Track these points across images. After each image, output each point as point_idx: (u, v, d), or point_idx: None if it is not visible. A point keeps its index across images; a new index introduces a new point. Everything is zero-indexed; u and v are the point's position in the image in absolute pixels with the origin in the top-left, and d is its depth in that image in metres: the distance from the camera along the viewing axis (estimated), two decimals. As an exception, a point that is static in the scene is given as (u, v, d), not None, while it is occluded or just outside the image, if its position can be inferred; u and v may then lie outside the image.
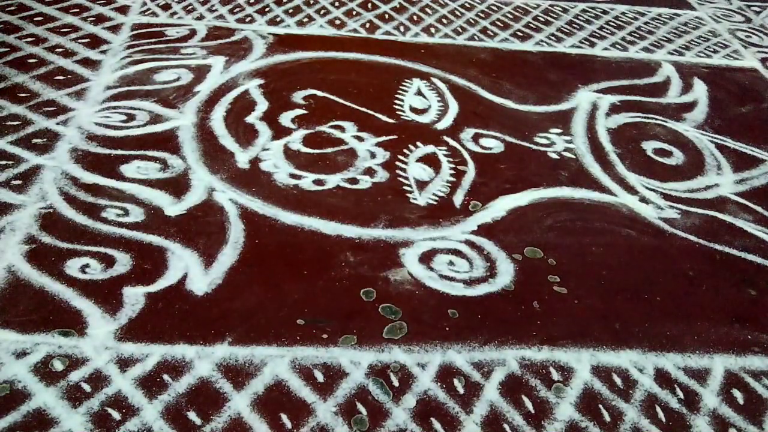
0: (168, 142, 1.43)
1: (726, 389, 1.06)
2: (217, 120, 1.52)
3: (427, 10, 2.09)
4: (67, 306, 1.06)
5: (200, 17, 1.90)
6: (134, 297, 1.09)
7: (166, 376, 0.97)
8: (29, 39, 1.72)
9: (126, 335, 1.02)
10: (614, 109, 1.74)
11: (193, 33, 1.82)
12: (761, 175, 1.56)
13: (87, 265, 1.13)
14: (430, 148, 1.51)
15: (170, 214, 1.26)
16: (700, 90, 1.85)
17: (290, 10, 1.99)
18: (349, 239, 1.25)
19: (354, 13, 2.01)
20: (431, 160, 1.48)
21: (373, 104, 1.62)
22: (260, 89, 1.64)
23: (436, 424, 0.95)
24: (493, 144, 1.55)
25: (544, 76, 1.84)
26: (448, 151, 1.51)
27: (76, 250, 1.16)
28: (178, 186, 1.32)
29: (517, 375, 1.03)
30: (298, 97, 1.63)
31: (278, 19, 1.94)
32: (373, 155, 1.47)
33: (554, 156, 1.54)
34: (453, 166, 1.47)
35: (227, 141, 1.46)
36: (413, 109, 1.63)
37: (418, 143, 1.52)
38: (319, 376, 0.99)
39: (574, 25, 2.10)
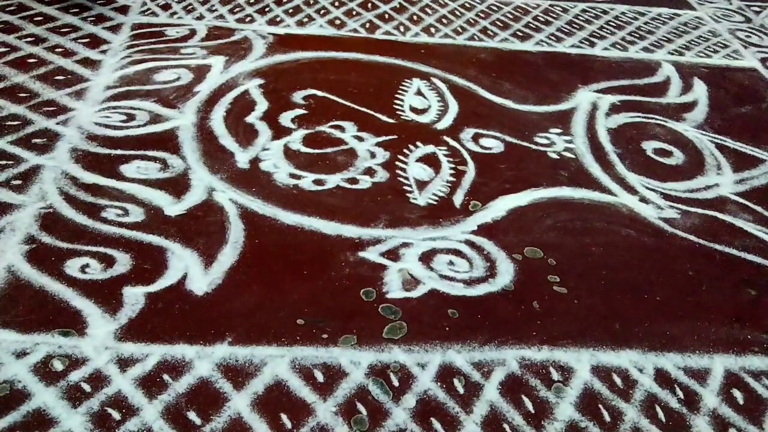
0: (168, 142, 1.43)
1: (726, 389, 1.06)
2: (217, 120, 1.52)
3: (427, 10, 2.09)
4: (67, 306, 1.06)
5: (200, 17, 1.90)
6: (134, 297, 1.09)
7: (166, 376, 0.97)
8: (29, 39, 1.72)
9: (126, 335, 1.02)
10: (614, 109, 1.74)
11: (193, 33, 1.82)
12: (761, 175, 1.56)
13: (87, 265, 1.13)
14: (430, 148, 1.51)
15: (170, 214, 1.26)
16: (700, 90, 1.85)
17: (290, 10, 1.99)
18: (349, 239, 1.25)
19: (354, 13, 2.01)
20: (431, 160, 1.48)
21: (373, 104, 1.62)
22: (260, 89, 1.64)
23: (436, 424, 0.95)
24: (493, 144, 1.55)
25: (544, 76, 1.84)
26: (448, 151, 1.51)
27: (76, 250, 1.16)
28: (178, 186, 1.32)
29: (517, 375, 1.03)
30: (298, 97, 1.63)
31: (278, 19, 1.94)
32: (373, 155, 1.47)
33: (554, 156, 1.54)
34: (453, 166, 1.47)
35: (227, 141, 1.46)
36: (413, 109, 1.63)
37: (418, 143, 1.52)
38: (319, 376, 0.99)
39: (574, 25, 2.10)
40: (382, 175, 1.42)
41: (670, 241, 1.34)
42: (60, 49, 1.69)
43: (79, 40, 1.74)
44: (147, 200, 1.28)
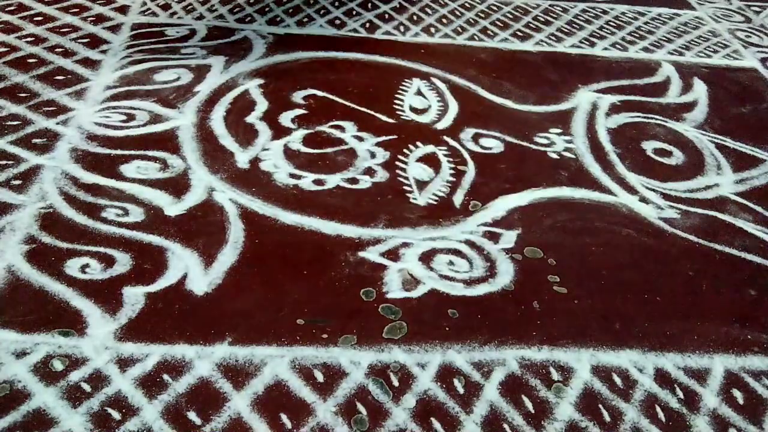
0: (168, 142, 1.43)
1: (726, 389, 1.06)
2: (217, 120, 1.52)
3: (427, 10, 2.08)
4: (67, 306, 1.06)
5: (200, 17, 1.90)
6: (134, 297, 1.09)
7: (166, 376, 0.97)
8: (29, 39, 1.72)
9: (126, 335, 1.02)
10: (614, 109, 1.74)
11: (193, 33, 1.82)
12: (761, 175, 1.56)
13: (87, 265, 1.13)
14: (430, 148, 1.51)
15: (170, 214, 1.26)
16: (700, 90, 1.85)
17: (290, 10, 1.99)
18: (349, 239, 1.25)
19: (354, 13, 2.01)
20: (431, 160, 1.48)
21: (373, 104, 1.62)
22: (260, 89, 1.64)
23: (436, 424, 0.95)
24: (493, 144, 1.55)
25: (544, 76, 1.84)
26: (448, 151, 1.51)
27: (76, 250, 1.16)
28: (178, 186, 1.32)
29: (517, 375, 1.03)
30: (298, 97, 1.63)
31: (278, 19, 1.94)
32: (373, 155, 1.47)
33: (554, 156, 1.54)
34: (453, 166, 1.47)
35: (227, 141, 1.46)
36: (413, 109, 1.63)
37: (418, 143, 1.52)
38: (319, 376, 0.99)
39: (574, 25, 2.10)
40: (382, 175, 1.42)
41: (670, 241, 1.34)
42: (60, 49, 1.69)
43: (79, 40, 1.74)
44: (147, 200, 1.28)
